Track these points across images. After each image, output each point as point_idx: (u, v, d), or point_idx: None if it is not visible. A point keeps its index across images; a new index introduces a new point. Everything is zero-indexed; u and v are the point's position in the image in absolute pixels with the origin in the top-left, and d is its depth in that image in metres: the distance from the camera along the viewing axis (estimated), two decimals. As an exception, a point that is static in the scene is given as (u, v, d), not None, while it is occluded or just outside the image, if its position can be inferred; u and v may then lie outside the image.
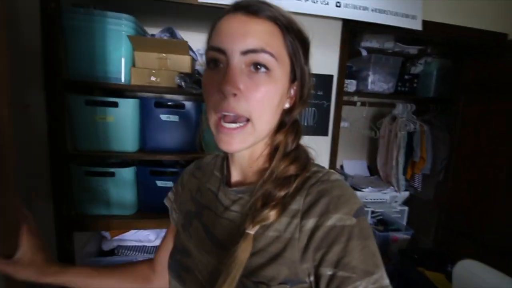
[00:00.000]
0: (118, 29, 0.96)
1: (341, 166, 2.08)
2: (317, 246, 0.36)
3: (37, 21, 0.87)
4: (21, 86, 0.86)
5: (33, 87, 0.90)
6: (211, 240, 0.46)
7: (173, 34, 1.10)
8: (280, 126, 0.45)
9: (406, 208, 1.80)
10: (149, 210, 1.11)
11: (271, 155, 0.45)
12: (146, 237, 1.26)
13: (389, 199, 1.75)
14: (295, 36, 0.40)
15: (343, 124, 1.65)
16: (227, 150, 0.41)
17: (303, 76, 0.43)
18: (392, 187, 1.76)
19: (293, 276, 0.37)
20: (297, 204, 0.39)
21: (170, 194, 0.63)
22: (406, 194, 1.78)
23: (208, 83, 0.40)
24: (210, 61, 0.40)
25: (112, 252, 1.24)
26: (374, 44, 1.72)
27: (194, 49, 1.21)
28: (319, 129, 1.24)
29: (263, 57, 0.37)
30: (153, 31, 1.17)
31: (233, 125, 0.38)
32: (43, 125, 0.92)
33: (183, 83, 1.02)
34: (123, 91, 1.20)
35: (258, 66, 0.37)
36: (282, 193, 0.40)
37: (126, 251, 1.24)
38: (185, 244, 0.51)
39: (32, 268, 0.50)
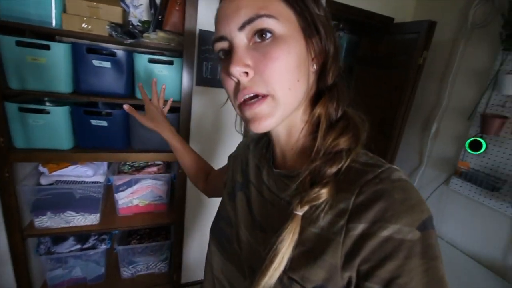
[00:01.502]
0: (46, -26, 1.02)
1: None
2: (366, 258, 0.30)
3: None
4: None
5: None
6: (252, 218, 0.46)
7: (103, -15, 1.18)
8: (319, 96, 0.40)
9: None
10: (85, 146, 1.27)
11: (313, 132, 0.41)
12: (85, 172, 1.41)
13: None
14: None
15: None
16: (256, 130, 0.37)
17: (317, 25, 0.37)
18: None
19: (330, 281, 0.33)
20: (346, 202, 0.33)
21: (233, 153, 0.65)
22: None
23: (222, 72, 0.38)
24: (219, 53, 0.39)
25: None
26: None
27: (128, 1, 1.30)
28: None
29: (261, 22, 0.34)
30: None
31: (252, 100, 0.36)
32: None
33: (113, 33, 1.14)
34: (54, 35, 1.26)
35: (263, 35, 0.34)
36: (334, 169, 0.35)
37: (65, 185, 1.39)
38: (229, 214, 0.51)
39: (151, 122, 0.76)
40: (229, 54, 0.37)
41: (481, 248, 1.50)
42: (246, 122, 0.38)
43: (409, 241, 0.29)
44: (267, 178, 0.46)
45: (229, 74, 0.36)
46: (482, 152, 1.48)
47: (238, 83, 0.36)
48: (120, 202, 1.49)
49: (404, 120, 1.72)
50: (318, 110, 0.39)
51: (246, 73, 0.35)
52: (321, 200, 0.35)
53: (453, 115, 1.69)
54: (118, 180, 1.45)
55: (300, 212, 0.35)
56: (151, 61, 1.24)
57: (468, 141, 1.52)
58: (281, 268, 0.35)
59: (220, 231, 0.52)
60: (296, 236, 0.35)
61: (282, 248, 0.35)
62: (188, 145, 0.80)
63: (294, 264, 0.35)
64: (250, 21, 0.34)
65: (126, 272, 1.62)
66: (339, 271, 0.32)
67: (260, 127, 0.37)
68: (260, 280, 0.35)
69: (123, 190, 1.48)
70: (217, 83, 1.42)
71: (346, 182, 0.35)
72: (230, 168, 0.60)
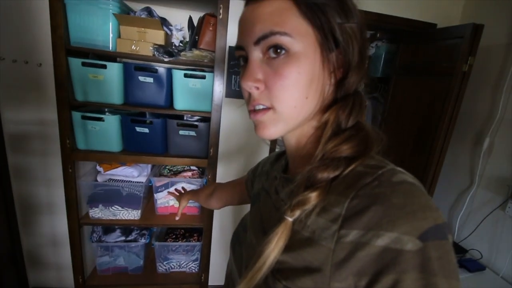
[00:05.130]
0: (106, 8, 1.26)
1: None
2: (360, 271, 0.28)
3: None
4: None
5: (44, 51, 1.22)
6: (260, 222, 0.47)
7: (150, 13, 1.40)
8: (335, 103, 0.39)
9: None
10: (131, 149, 1.48)
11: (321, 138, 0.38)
12: (131, 173, 1.63)
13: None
14: None
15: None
16: (261, 136, 0.39)
17: (337, 39, 0.35)
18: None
19: None
20: (340, 207, 0.31)
21: (254, 167, 0.69)
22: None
23: (240, 79, 0.39)
24: (239, 59, 0.40)
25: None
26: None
27: (173, 24, 1.50)
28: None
29: (275, 39, 0.34)
30: (136, 6, 1.47)
31: (258, 108, 0.37)
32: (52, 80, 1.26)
33: (156, 53, 1.33)
34: (111, 57, 1.52)
35: (278, 50, 0.34)
36: (327, 174, 0.34)
37: (116, 183, 1.62)
38: (247, 219, 0.54)
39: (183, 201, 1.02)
40: (247, 61, 0.38)
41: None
42: (254, 127, 0.40)
43: (408, 252, 0.26)
44: (277, 183, 0.47)
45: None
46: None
47: (249, 93, 0.38)
48: (158, 201, 1.66)
49: (448, 133, 1.57)
50: (326, 115, 0.38)
51: (257, 87, 0.36)
52: (309, 205, 0.34)
53: (509, 129, 1.48)
54: (158, 182, 1.62)
55: (289, 217, 0.35)
56: (186, 76, 1.39)
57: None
58: (264, 270, 0.34)
59: (236, 235, 0.57)
60: (283, 241, 0.35)
61: (265, 250, 0.35)
62: (207, 191, 0.93)
63: (282, 267, 0.35)
64: (264, 37, 0.34)
65: (161, 267, 1.77)
66: (327, 281, 0.30)
67: (263, 134, 0.38)
68: (242, 280, 0.35)
69: (161, 191, 1.65)
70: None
71: (344, 185, 0.33)
72: (250, 179, 0.65)
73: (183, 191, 1.10)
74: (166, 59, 1.32)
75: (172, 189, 1.55)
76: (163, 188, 1.65)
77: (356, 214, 0.29)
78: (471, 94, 1.62)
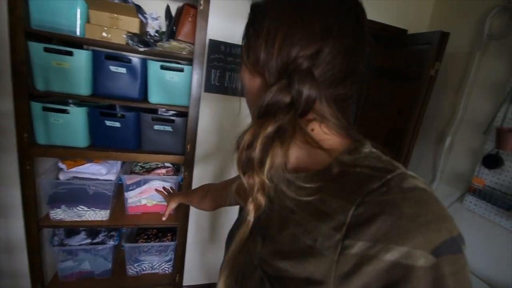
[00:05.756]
0: (74, -11, 1.14)
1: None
2: (366, 286, 0.26)
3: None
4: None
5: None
6: (257, 220, 0.44)
7: (124, -1, 1.30)
8: None
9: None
10: (99, 145, 1.37)
11: None
12: (99, 170, 1.51)
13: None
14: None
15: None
16: None
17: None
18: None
19: None
20: (344, 214, 0.29)
21: None
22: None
23: None
24: None
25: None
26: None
27: (148, 12, 1.41)
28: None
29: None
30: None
31: None
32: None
33: (130, 41, 1.24)
34: (78, 43, 1.39)
35: None
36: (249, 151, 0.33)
37: (81, 181, 1.49)
38: (242, 218, 0.52)
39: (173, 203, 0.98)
40: None
41: (496, 272, 1.40)
42: None
43: (420, 268, 0.24)
44: (277, 181, 0.46)
45: None
46: (498, 169, 1.40)
47: None
48: (129, 200, 1.56)
49: (415, 132, 1.67)
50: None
51: None
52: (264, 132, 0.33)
53: (468, 129, 1.62)
54: (128, 180, 1.52)
55: (249, 217, 0.37)
56: (163, 68, 1.32)
57: (484, 156, 1.45)
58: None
59: (231, 234, 0.52)
60: (243, 235, 0.39)
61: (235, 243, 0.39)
62: (201, 192, 0.91)
63: (281, 276, 0.33)
64: None
65: (132, 270, 1.67)
66: None
67: None
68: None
69: (132, 189, 1.55)
70: (225, 90, 1.48)
71: (348, 189, 0.30)
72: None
73: (171, 191, 1.07)
74: (141, 49, 1.24)
75: (156, 187, 1.48)
76: (135, 186, 1.56)
77: (363, 224, 0.27)
78: (435, 97, 1.75)
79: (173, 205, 0.99)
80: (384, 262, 0.25)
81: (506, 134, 1.35)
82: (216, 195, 0.82)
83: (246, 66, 0.38)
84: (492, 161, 1.41)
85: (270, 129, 0.32)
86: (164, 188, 1.09)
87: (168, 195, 1.05)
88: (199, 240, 1.74)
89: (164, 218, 1.00)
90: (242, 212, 0.53)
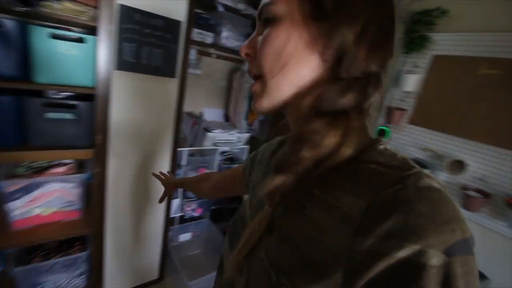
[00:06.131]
0: None
1: (201, 113, 2.29)
2: (373, 281, 0.25)
3: None
4: None
5: None
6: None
7: None
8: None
9: (247, 147, 2.25)
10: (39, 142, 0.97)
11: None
12: None
13: (235, 139, 2.13)
14: None
15: (195, 71, 1.82)
16: (255, 110, 0.38)
17: (324, 8, 0.31)
18: (237, 130, 2.15)
19: None
20: (355, 210, 0.29)
21: (253, 154, 0.63)
22: (247, 135, 2.21)
23: None
24: None
25: None
26: (229, 2, 1.90)
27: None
28: (167, 70, 1.34)
29: (265, 12, 0.35)
30: None
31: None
32: None
33: (-5, -5, 0.87)
34: None
35: (268, 21, 0.35)
36: (296, 154, 0.33)
37: None
38: (246, 211, 0.49)
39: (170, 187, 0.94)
40: None
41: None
42: None
43: (432, 267, 0.23)
44: None
45: None
46: (387, 139, 1.74)
47: None
48: (14, 213, 1.19)
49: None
50: (315, 90, 0.34)
51: (248, 54, 0.37)
52: (274, 186, 0.35)
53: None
54: (11, 186, 1.14)
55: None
56: (54, 36, 1.00)
57: (377, 129, 1.77)
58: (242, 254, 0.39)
59: (232, 227, 0.51)
60: (262, 228, 0.38)
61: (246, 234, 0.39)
62: (199, 177, 0.88)
63: (289, 268, 0.33)
64: (260, 12, 0.36)
65: (29, 298, 1.32)
66: None
67: (254, 106, 0.38)
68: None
69: (18, 198, 1.18)
70: (143, 68, 1.24)
71: (360, 185, 0.30)
72: (248, 167, 0.61)
73: (168, 175, 1.00)
74: (18, 9, 0.89)
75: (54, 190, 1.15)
76: (20, 193, 1.19)
77: (375, 220, 0.27)
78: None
79: (169, 190, 0.95)
80: (396, 259, 0.25)
81: (393, 111, 1.68)
82: (220, 180, 0.79)
83: (309, 35, 0.32)
84: (383, 133, 1.74)
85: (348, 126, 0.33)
86: (161, 172, 1.01)
87: (165, 179, 0.98)
88: (120, 245, 1.50)
89: (159, 203, 0.96)
90: (245, 202, 0.52)
